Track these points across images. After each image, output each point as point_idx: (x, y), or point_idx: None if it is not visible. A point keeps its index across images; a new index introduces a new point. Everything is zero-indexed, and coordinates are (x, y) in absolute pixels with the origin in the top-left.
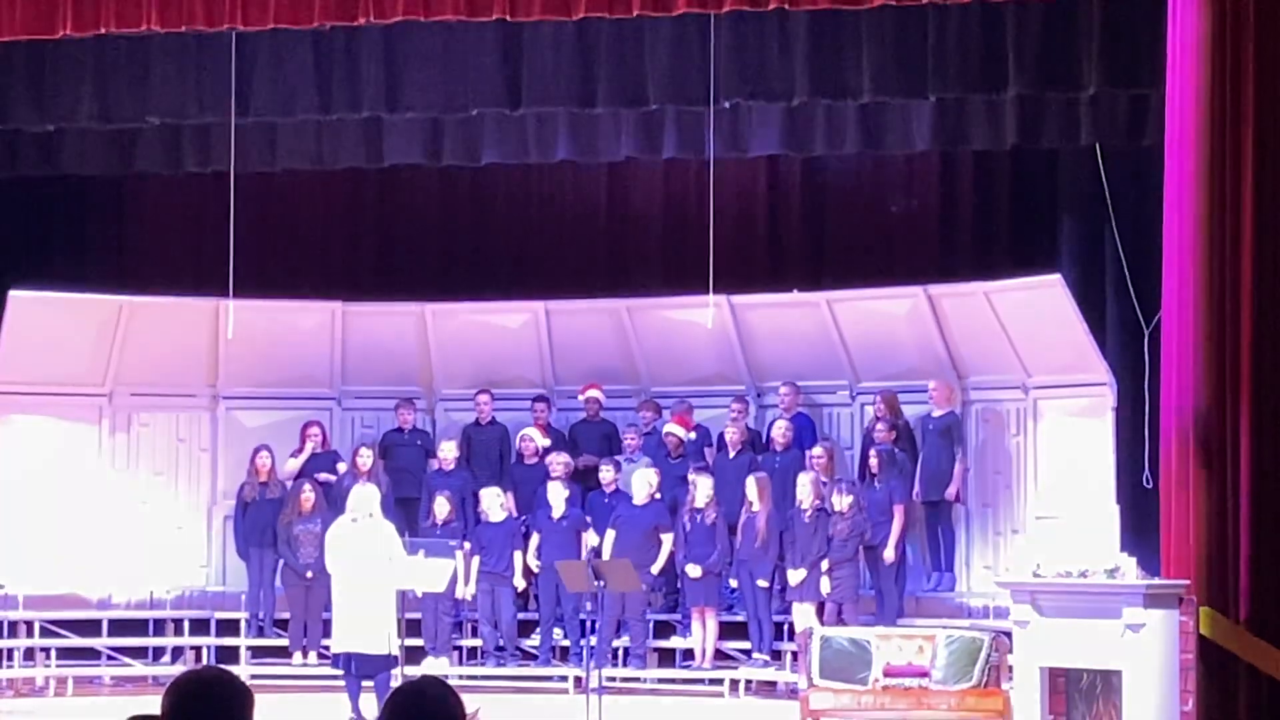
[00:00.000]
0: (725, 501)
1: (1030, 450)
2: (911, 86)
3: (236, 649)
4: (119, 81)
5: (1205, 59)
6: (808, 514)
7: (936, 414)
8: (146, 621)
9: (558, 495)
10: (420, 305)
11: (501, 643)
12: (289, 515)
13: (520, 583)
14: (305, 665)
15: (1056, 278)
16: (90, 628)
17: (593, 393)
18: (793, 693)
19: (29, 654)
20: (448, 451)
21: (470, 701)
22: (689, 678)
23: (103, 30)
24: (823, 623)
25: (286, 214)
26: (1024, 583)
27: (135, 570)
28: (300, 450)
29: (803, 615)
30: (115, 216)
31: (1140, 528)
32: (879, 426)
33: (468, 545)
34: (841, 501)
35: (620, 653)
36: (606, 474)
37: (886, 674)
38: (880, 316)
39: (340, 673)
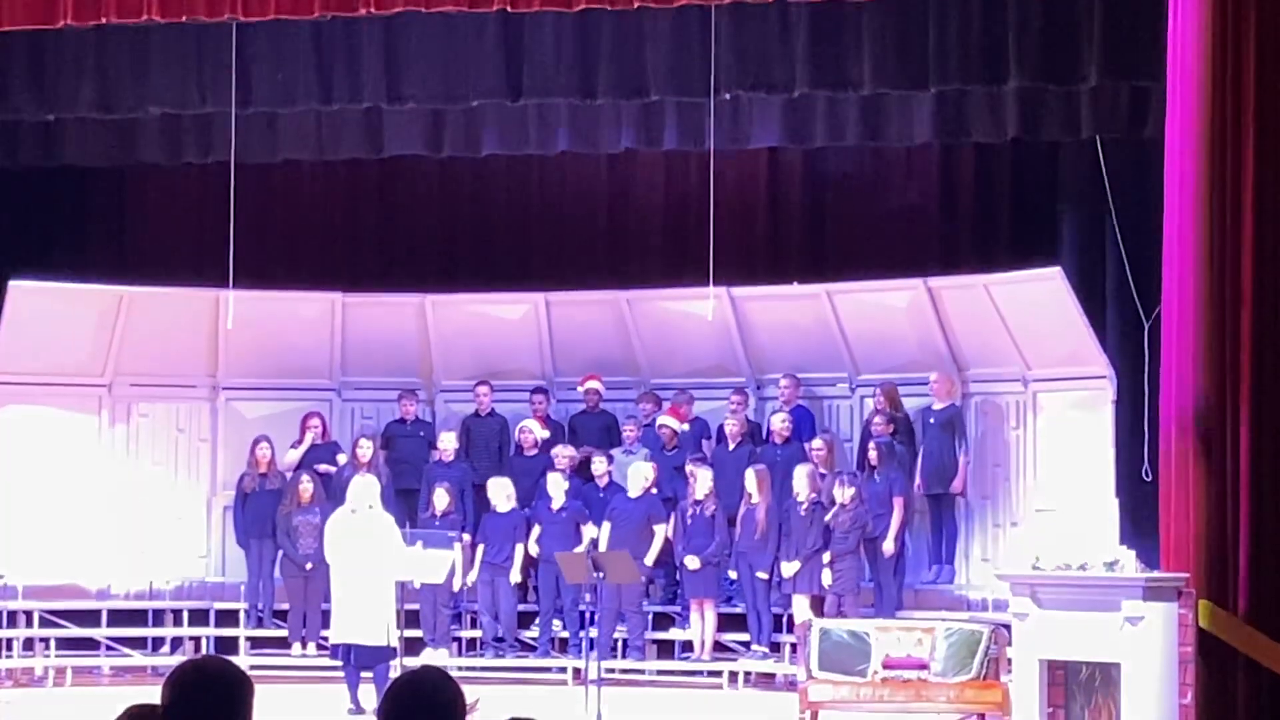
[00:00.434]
0: (724, 493)
1: (1030, 443)
2: (912, 78)
3: (235, 639)
4: (119, 72)
5: (1206, 51)
6: (803, 506)
7: (938, 407)
8: (146, 612)
9: (558, 487)
10: (420, 296)
11: (501, 634)
12: (288, 506)
13: (517, 576)
14: (304, 656)
15: (1056, 270)
16: (89, 618)
17: (592, 384)
18: (791, 684)
19: (28, 644)
20: (447, 443)
21: (470, 692)
22: (688, 669)
23: (103, 20)
24: (823, 615)
25: (287, 205)
26: (1023, 575)
27: (135, 561)
28: (300, 441)
29: (800, 607)
30: (115, 206)
31: (1139, 521)
32: (878, 419)
33: (467, 537)
34: (843, 494)
35: (619, 644)
36: (599, 466)
37: (885, 666)
38: (880, 309)
39: (339, 664)
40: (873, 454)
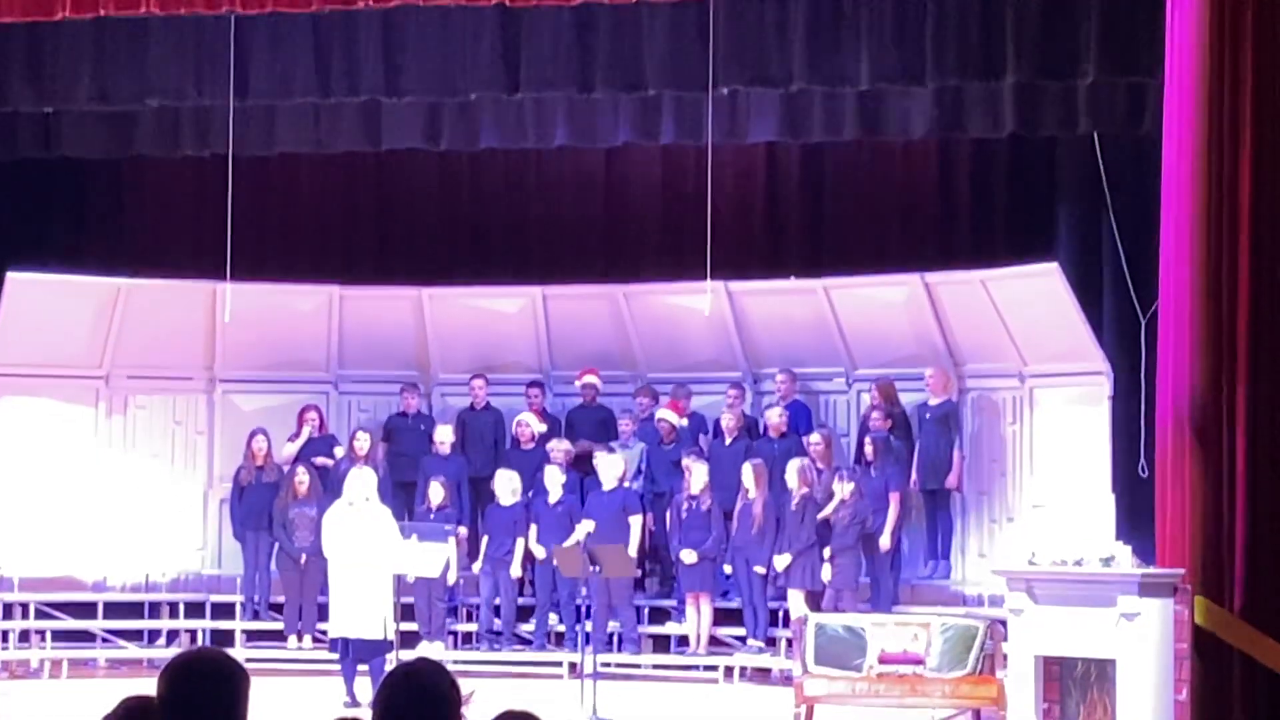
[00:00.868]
0: (720, 488)
1: (1026, 438)
2: (910, 73)
3: (231, 632)
4: (117, 64)
5: (1204, 47)
6: (795, 501)
7: (934, 402)
8: (142, 604)
9: (555, 481)
10: (418, 289)
11: (499, 626)
12: (285, 499)
13: (517, 570)
14: (300, 649)
15: (1054, 266)
16: (85, 610)
17: (589, 378)
18: (787, 679)
19: (24, 636)
20: (444, 436)
21: (465, 685)
22: (684, 664)
23: (101, 13)
24: (820, 610)
25: (284, 197)
26: (1019, 571)
27: (131, 553)
28: (297, 434)
29: (795, 602)
30: (113, 198)
31: (1136, 516)
32: (875, 414)
33: (463, 530)
34: (843, 489)
35: (614, 638)
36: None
37: (881, 661)
38: (877, 304)
39: (335, 657)
40: (869, 449)
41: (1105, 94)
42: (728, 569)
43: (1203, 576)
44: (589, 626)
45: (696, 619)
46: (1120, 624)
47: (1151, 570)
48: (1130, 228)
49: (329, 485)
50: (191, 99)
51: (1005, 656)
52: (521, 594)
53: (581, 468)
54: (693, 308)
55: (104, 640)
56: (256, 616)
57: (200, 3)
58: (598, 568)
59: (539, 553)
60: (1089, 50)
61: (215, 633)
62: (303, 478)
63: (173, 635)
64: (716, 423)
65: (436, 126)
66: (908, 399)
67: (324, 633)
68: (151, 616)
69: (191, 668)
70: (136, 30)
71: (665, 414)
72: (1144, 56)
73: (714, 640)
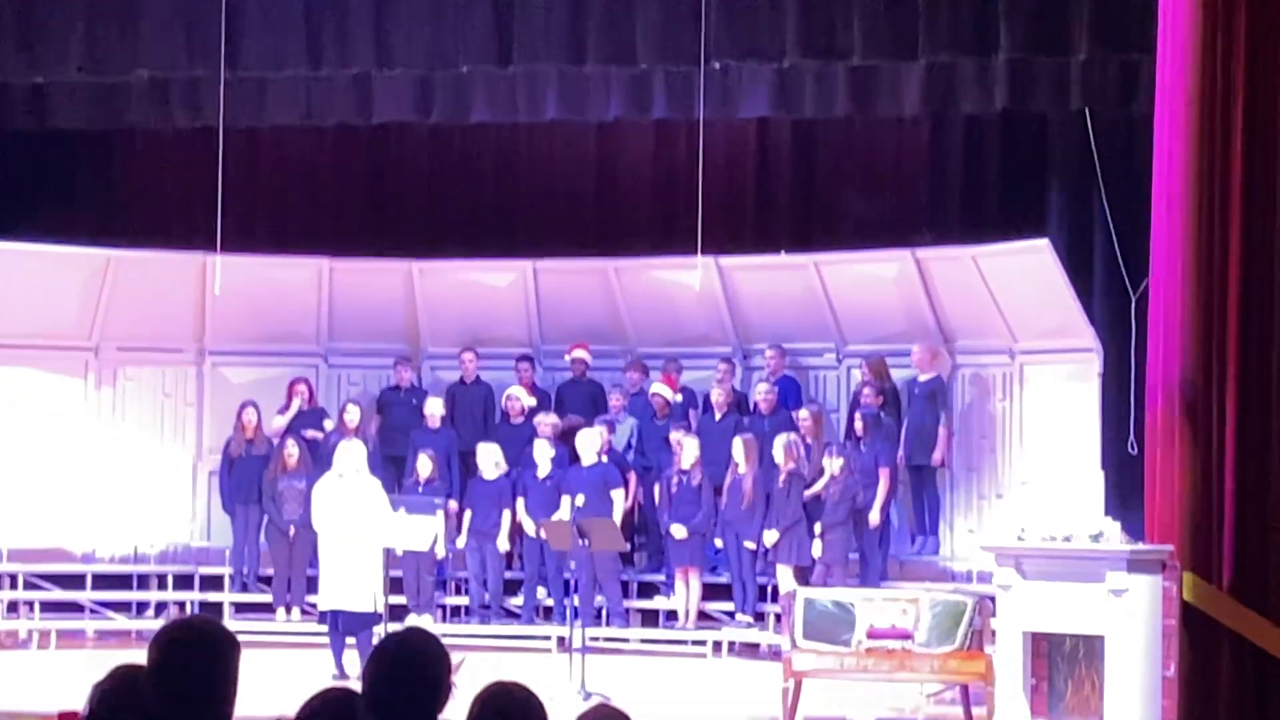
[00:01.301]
0: (710, 463)
1: (1016, 415)
2: (902, 49)
3: (220, 604)
4: (108, 35)
5: (1196, 25)
6: (781, 477)
7: (923, 378)
8: (130, 576)
9: (544, 454)
10: (408, 262)
11: (487, 600)
12: (274, 471)
13: (504, 544)
14: (289, 621)
15: (1044, 243)
16: (74, 581)
17: (579, 353)
18: (776, 654)
19: (12, 607)
20: (434, 410)
21: (455, 655)
22: (672, 638)
23: None
24: (809, 585)
25: (275, 170)
26: (1008, 547)
27: (120, 525)
28: (287, 407)
29: (784, 577)
30: (103, 170)
31: (1125, 493)
32: (867, 390)
33: (453, 504)
34: (833, 464)
35: (602, 612)
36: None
37: (870, 636)
38: (868, 279)
39: (324, 629)
40: (859, 425)
41: (1098, 71)
42: (718, 543)
43: (1191, 553)
44: (577, 601)
45: (685, 594)
46: (1109, 600)
47: (1140, 547)
48: (1121, 205)
49: (318, 458)
50: (182, 70)
51: (994, 632)
52: (510, 568)
53: (570, 442)
54: (683, 282)
55: (92, 612)
56: (245, 589)
57: None
58: (587, 541)
59: (529, 525)
60: (1082, 27)
61: (204, 605)
62: (292, 450)
63: (161, 607)
64: (706, 398)
65: (428, 99)
66: (898, 375)
67: (313, 605)
68: (140, 588)
69: (182, 636)
70: (127, 1)
71: (660, 388)
72: (1137, 33)
73: (703, 615)
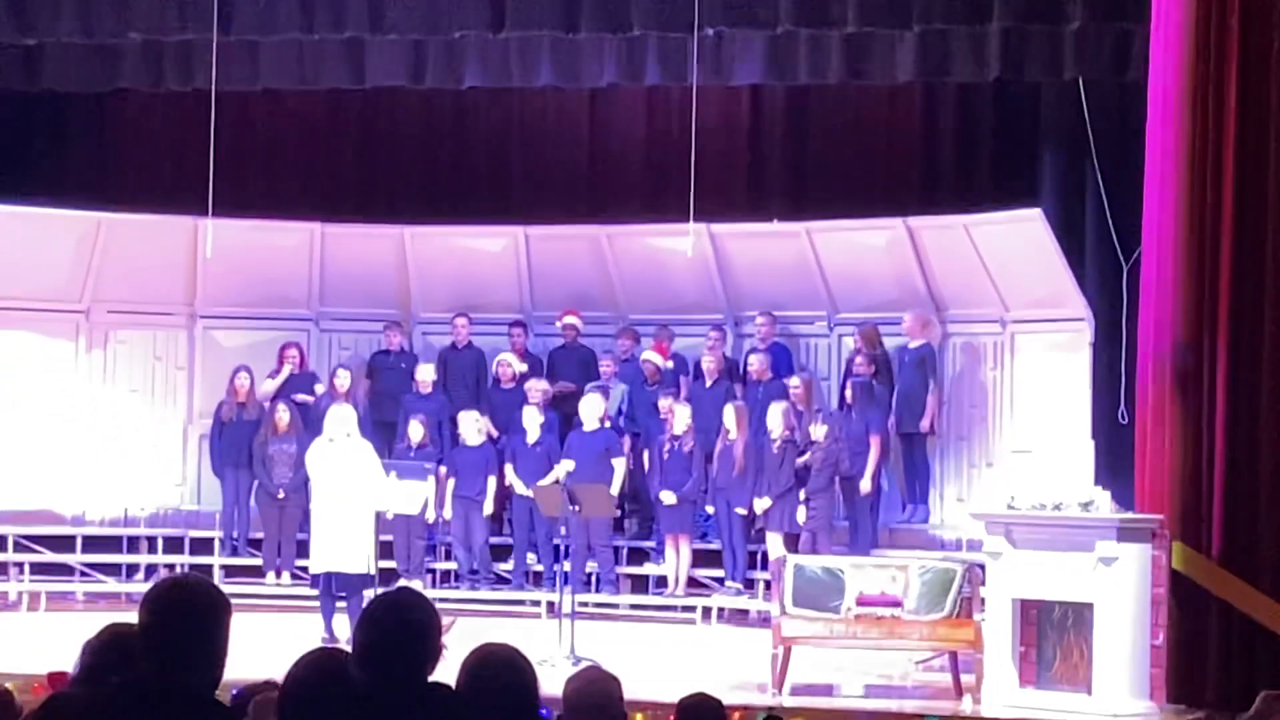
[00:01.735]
0: (700, 430)
1: (1007, 384)
2: (895, 17)
3: (210, 567)
4: None
5: None
6: (776, 444)
7: (913, 345)
8: (120, 539)
9: (533, 420)
10: (400, 227)
11: (475, 566)
12: (264, 435)
13: (489, 508)
14: (278, 585)
15: (1037, 212)
16: (64, 544)
17: (570, 319)
18: (765, 621)
19: (2, 568)
20: (425, 375)
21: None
22: (662, 604)
23: None
24: (797, 552)
25: (267, 133)
26: (998, 515)
27: (110, 488)
28: (278, 371)
29: (774, 544)
30: (95, 132)
31: (1115, 462)
32: (859, 359)
33: (443, 469)
34: (817, 431)
35: (592, 578)
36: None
37: (859, 603)
38: (860, 248)
39: (314, 592)
40: (849, 393)
41: (1091, 40)
42: (709, 510)
43: (1181, 522)
44: (567, 566)
45: (675, 560)
46: (1098, 569)
47: (1130, 515)
48: (1114, 175)
49: (309, 422)
50: (175, 33)
51: (983, 600)
52: (500, 533)
53: (560, 408)
54: (675, 249)
55: (82, 574)
56: (235, 552)
57: None
58: (577, 507)
59: (520, 487)
60: None
61: (193, 568)
62: (283, 414)
63: (151, 570)
64: (697, 364)
65: (421, 64)
66: (889, 343)
67: (303, 569)
68: (130, 551)
69: (173, 595)
70: None
71: (651, 355)
72: (1130, 3)
73: (692, 581)
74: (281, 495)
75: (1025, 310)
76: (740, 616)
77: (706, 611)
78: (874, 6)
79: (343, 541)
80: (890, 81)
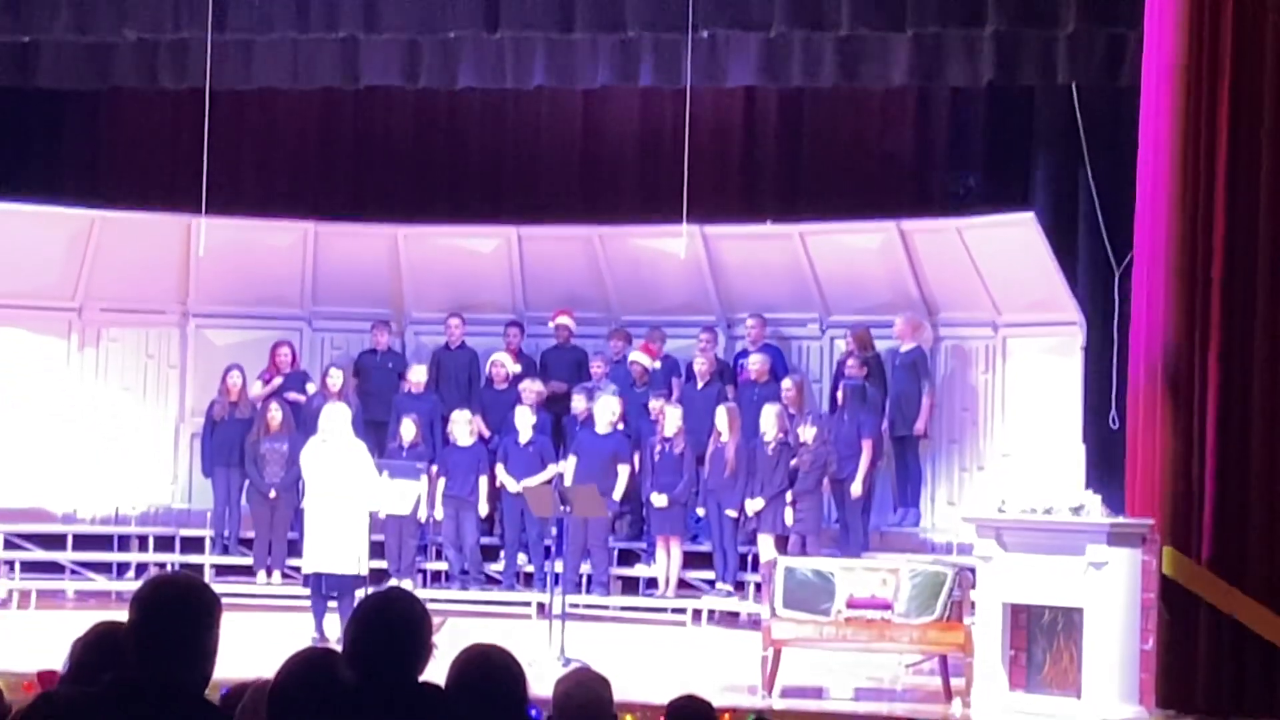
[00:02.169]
0: (691, 432)
1: (998, 387)
2: (889, 20)
3: (201, 567)
4: None
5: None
6: (770, 446)
7: (904, 349)
8: (111, 537)
9: (525, 421)
10: (393, 227)
11: (466, 566)
12: (256, 434)
13: (484, 508)
14: (269, 584)
15: (1029, 215)
16: (55, 542)
17: (563, 319)
18: (755, 623)
19: None
20: (417, 375)
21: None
22: (652, 606)
23: None
24: (787, 554)
25: (261, 133)
26: (988, 518)
27: (101, 486)
28: (268, 373)
29: (765, 546)
30: (89, 130)
31: (1106, 467)
32: (850, 361)
33: (435, 469)
34: (806, 433)
35: (584, 579)
36: (579, 403)
37: (849, 606)
38: (852, 250)
39: (305, 592)
40: (840, 395)
41: (1085, 44)
42: (700, 512)
43: (1171, 527)
44: (558, 566)
45: (666, 562)
46: (1088, 573)
47: (1120, 520)
48: (1107, 179)
49: (301, 421)
50: (170, 31)
51: (973, 603)
52: (490, 534)
53: (553, 409)
54: (668, 251)
55: (73, 572)
56: (226, 551)
57: None
58: (568, 507)
59: (511, 485)
60: (1069, 0)
61: (184, 567)
62: (275, 413)
63: (141, 568)
64: (689, 366)
65: (415, 64)
66: (881, 346)
67: (294, 569)
68: (121, 549)
69: (164, 592)
70: None
71: (638, 356)
72: (1124, 7)
73: (683, 583)
74: (273, 494)
75: (1017, 314)
76: (730, 618)
77: (697, 613)
78: (868, 9)
79: (335, 542)
80: (884, 84)
